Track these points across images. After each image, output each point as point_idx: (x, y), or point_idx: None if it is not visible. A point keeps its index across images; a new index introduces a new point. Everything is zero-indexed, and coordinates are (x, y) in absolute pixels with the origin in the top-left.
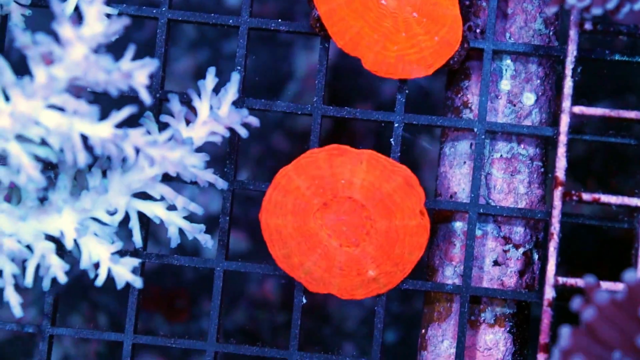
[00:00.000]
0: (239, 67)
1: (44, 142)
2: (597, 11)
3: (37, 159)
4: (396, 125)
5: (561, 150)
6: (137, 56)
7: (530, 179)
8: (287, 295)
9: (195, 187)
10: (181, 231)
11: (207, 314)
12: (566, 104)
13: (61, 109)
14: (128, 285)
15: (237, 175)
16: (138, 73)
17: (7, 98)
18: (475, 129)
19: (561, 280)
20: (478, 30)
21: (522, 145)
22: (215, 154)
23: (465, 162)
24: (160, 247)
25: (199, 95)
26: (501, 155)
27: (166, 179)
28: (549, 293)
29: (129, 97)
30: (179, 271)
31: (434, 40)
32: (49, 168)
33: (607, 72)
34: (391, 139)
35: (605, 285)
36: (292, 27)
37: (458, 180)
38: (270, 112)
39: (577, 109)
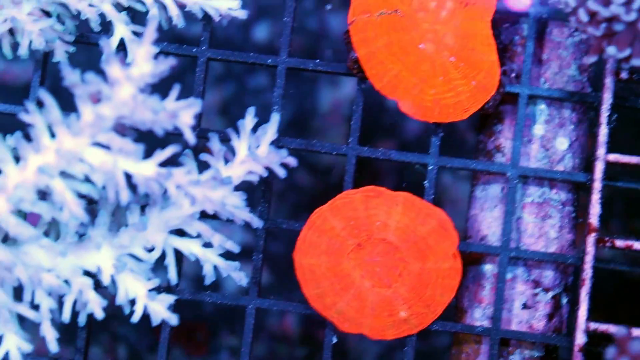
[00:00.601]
0: (276, 107)
1: (87, 179)
2: (637, 62)
3: (79, 195)
4: (430, 167)
5: (595, 197)
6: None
7: (562, 224)
8: (307, 329)
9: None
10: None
11: (226, 347)
12: (601, 151)
13: (106, 147)
14: (146, 317)
15: (270, 206)
16: (183, 113)
17: (52, 135)
18: (508, 174)
19: (593, 326)
20: (513, 75)
21: (553, 190)
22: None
23: (496, 206)
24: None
25: (238, 134)
26: (533, 200)
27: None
28: (581, 338)
29: (169, 135)
30: (199, 304)
31: (471, 85)
32: (90, 204)
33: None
34: (425, 182)
35: (637, 333)
36: (330, 68)
37: (489, 224)
38: (310, 152)
39: (612, 157)
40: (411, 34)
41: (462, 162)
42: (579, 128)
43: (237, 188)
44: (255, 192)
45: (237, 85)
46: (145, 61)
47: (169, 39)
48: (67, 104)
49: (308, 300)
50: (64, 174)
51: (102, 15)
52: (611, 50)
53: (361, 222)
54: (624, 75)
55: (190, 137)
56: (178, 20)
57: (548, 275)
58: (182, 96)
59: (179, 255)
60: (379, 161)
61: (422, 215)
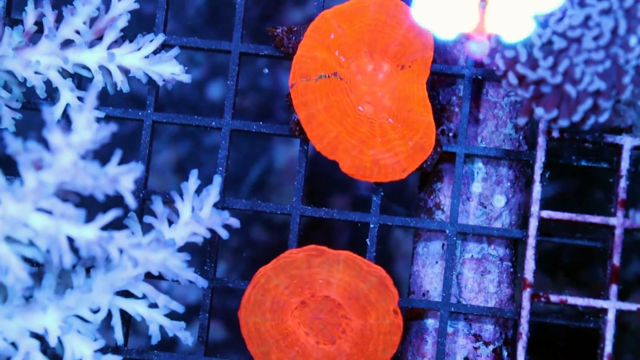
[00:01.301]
0: (220, 169)
1: (31, 243)
2: (564, 123)
3: (24, 259)
4: (372, 226)
5: (530, 253)
6: (121, 149)
7: (500, 279)
8: None
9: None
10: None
11: None
12: (535, 208)
13: (49, 212)
14: None
15: (216, 266)
16: (124, 178)
17: None
18: (447, 231)
19: None
20: (451, 134)
21: (492, 246)
22: (194, 246)
23: (437, 262)
24: (139, 338)
25: (182, 196)
26: (472, 256)
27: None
28: None
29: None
30: None
31: (408, 145)
32: (36, 266)
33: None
34: (367, 239)
35: None
36: (272, 130)
37: (430, 279)
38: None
39: (545, 214)
40: (350, 96)
41: (403, 220)
42: (516, 185)
43: (185, 247)
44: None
45: (192, 144)
46: (85, 128)
47: None
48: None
49: (254, 358)
50: (8, 239)
51: (48, 82)
52: (539, 111)
53: (304, 280)
54: (555, 134)
55: (131, 202)
56: (123, 85)
57: (488, 329)
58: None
59: (127, 315)
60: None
61: (363, 273)
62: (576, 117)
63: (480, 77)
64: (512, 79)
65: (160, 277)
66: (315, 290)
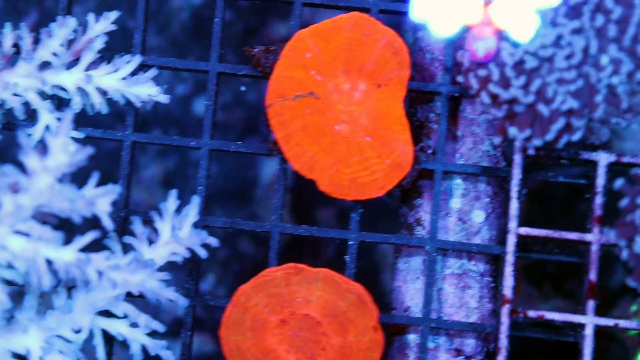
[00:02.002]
0: (200, 187)
1: (10, 265)
2: (537, 142)
3: (4, 281)
4: (351, 242)
5: (508, 270)
6: (107, 165)
7: (481, 294)
8: None
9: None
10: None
11: None
12: (512, 224)
13: (27, 235)
14: None
15: (203, 278)
16: (101, 201)
17: None
18: (427, 247)
19: None
20: (430, 151)
21: (472, 262)
22: (177, 262)
23: (418, 277)
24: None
25: (161, 216)
26: (452, 272)
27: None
28: None
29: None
30: None
31: (386, 163)
32: (16, 286)
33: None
34: (346, 256)
35: None
36: (251, 149)
37: (412, 295)
38: (236, 230)
39: (523, 230)
40: (327, 115)
41: (383, 236)
42: (494, 200)
43: (167, 264)
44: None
45: (179, 158)
46: (61, 152)
47: None
48: None
49: None
50: None
51: (27, 103)
52: (513, 131)
53: (283, 298)
54: (530, 151)
55: (108, 224)
56: (101, 106)
57: (470, 344)
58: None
59: (110, 335)
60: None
61: (342, 291)
62: (549, 137)
63: (457, 94)
64: (485, 98)
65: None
66: (294, 308)
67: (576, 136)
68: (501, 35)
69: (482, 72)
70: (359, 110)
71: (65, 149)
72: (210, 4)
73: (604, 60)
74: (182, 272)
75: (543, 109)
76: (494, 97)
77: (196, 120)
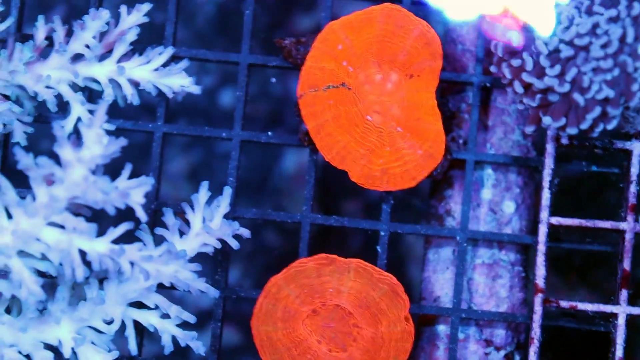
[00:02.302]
0: (231, 179)
1: (44, 257)
2: (572, 131)
3: (38, 272)
4: (382, 234)
5: (540, 259)
6: (134, 157)
7: (512, 284)
8: None
9: None
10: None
11: None
12: (544, 214)
13: (61, 226)
14: None
15: (227, 275)
16: (134, 192)
17: (9, 216)
18: (458, 237)
19: None
20: (461, 141)
21: (503, 252)
22: (206, 254)
23: (448, 268)
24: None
25: (192, 208)
26: (483, 261)
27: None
28: None
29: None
30: None
31: (418, 154)
32: (49, 278)
33: None
34: (377, 247)
35: None
36: (282, 140)
37: (441, 285)
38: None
39: (555, 220)
40: (358, 106)
41: (413, 227)
42: (525, 191)
43: (196, 256)
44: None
45: (205, 151)
46: (95, 143)
47: None
48: None
49: None
50: (21, 253)
51: (59, 96)
52: (547, 120)
53: (315, 289)
54: (564, 140)
55: (142, 215)
56: (133, 98)
57: (500, 334)
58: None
59: (141, 326)
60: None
61: (374, 281)
62: (584, 125)
63: (488, 85)
64: (518, 87)
65: (173, 287)
66: (326, 299)
67: (612, 125)
68: (528, 27)
69: (515, 62)
70: (391, 101)
71: (99, 141)
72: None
73: None
74: (209, 264)
75: (579, 98)
76: (527, 87)
77: (221, 112)
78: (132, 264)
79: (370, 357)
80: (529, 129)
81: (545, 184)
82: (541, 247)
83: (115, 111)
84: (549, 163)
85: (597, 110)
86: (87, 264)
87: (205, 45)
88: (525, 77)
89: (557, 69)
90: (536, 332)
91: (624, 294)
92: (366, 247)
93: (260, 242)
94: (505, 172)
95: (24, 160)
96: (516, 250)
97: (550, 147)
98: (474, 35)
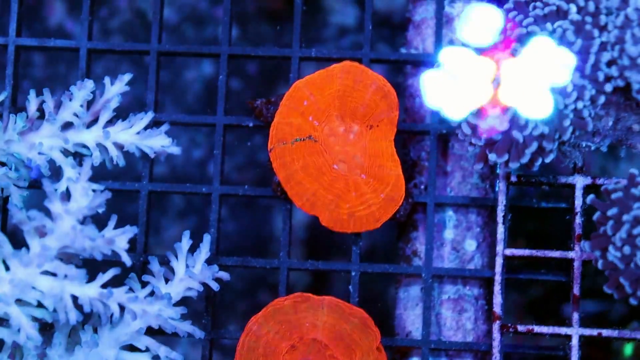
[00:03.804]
0: (212, 230)
1: (40, 305)
2: (514, 165)
3: (35, 319)
4: (353, 274)
5: (497, 289)
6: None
7: (476, 316)
8: None
9: (185, 342)
10: None
11: None
12: (499, 247)
13: (54, 274)
14: None
15: (213, 319)
16: (119, 239)
17: (7, 268)
18: (423, 274)
19: None
20: (422, 187)
21: (467, 287)
22: (197, 306)
23: (417, 304)
24: None
25: (176, 256)
26: (449, 297)
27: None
28: None
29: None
30: None
31: (380, 198)
32: (47, 328)
33: None
34: (350, 286)
35: None
36: (257, 192)
37: (412, 321)
38: (247, 268)
39: (508, 252)
40: (325, 156)
41: (382, 267)
42: (485, 230)
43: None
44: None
45: (198, 217)
46: (81, 196)
47: None
48: None
49: None
50: (19, 301)
51: (52, 161)
52: (492, 157)
53: (292, 324)
54: (513, 179)
55: (126, 260)
56: (119, 159)
57: None
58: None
59: None
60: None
61: (346, 315)
62: (524, 160)
63: (445, 132)
64: (466, 129)
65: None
66: (303, 334)
67: (549, 158)
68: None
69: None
70: (354, 150)
71: (85, 194)
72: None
73: (570, 87)
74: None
75: (517, 135)
76: (474, 128)
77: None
78: (120, 305)
79: None
80: (478, 167)
81: (500, 219)
82: (497, 278)
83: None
84: (501, 200)
85: (535, 145)
86: (80, 308)
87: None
88: (471, 119)
89: (497, 109)
90: (496, 357)
91: (575, 316)
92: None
93: (255, 301)
94: (465, 213)
95: (17, 215)
96: (479, 285)
97: (502, 185)
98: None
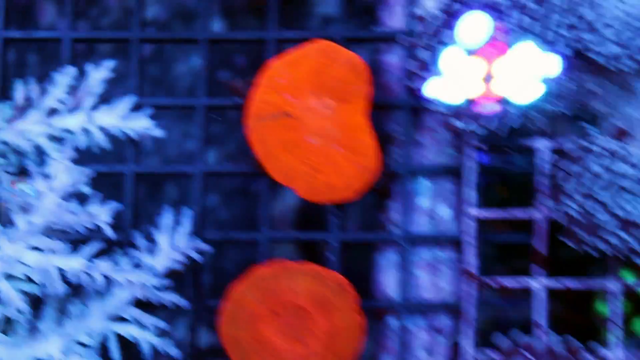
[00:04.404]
0: (196, 207)
1: (29, 280)
2: (481, 131)
3: (25, 294)
4: (332, 243)
5: (467, 249)
6: None
7: (451, 277)
8: None
9: None
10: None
11: None
12: (467, 209)
13: (40, 249)
14: None
15: (198, 288)
16: (101, 213)
17: None
18: (400, 241)
19: (479, 355)
20: (397, 158)
21: (443, 251)
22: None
23: (395, 269)
24: None
25: (159, 229)
26: (425, 261)
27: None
28: None
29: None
30: None
31: (355, 168)
32: (37, 304)
33: None
34: (329, 254)
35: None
36: (238, 169)
37: (390, 285)
38: (229, 242)
39: (476, 211)
40: (301, 131)
41: (361, 235)
42: (459, 196)
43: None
44: None
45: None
46: (63, 174)
47: None
48: None
49: None
50: (8, 276)
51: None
52: (459, 124)
53: (273, 292)
54: (480, 145)
55: (110, 233)
56: (104, 143)
57: (445, 322)
58: None
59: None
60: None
61: (323, 280)
62: (491, 125)
63: (417, 106)
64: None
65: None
66: (284, 300)
67: (514, 122)
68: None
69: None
70: (329, 124)
71: (67, 171)
72: (208, 66)
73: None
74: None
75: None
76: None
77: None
78: (105, 277)
79: (328, 348)
80: (446, 135)
81: (466, 182)
82: (467, 238)
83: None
84: (468, 164)
85: (499, 111)
86: (67, 281)
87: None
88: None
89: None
90: (468, 310)
91: (539, 270)
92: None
93: None
94: (440, 181)
95: (3, 193)
96: (453, 248)
97: (469, 151)
98: (401, 63)
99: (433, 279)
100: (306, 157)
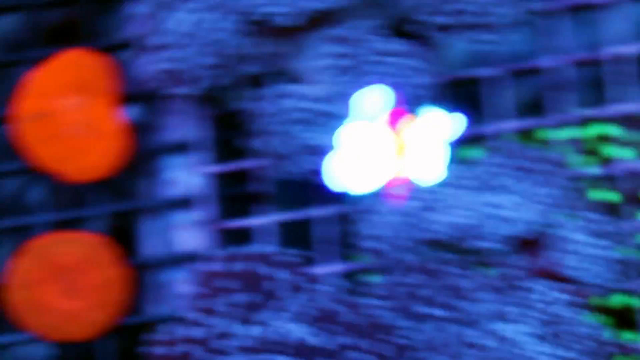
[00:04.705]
0: None
1: None
2: (192, 91)
3: None
4: (97, 214)
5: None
6: None
7: (202, 234)
8: None
9: None
10: None
11: None
12: (204, 168)
13: None
14: None
15: None
16: None
17: None
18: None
19: None
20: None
21: (193, 211)
22: None
23: (159, 233)
24: None
25: None
26: (185, 221)
27: None
28: None
29: None
30: None
31: (106, 150)
32: None
33: None
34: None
35: None
36: (12, 168)
37: (158, 245)
38: None
39: (212, 169)
40: (57, 126)
41: (121, 205)
42: (198, 163)
43: None
44: None
45: None
46: None
47: None
48: None
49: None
50: None
51: None
52: (177, 90)
53: (45, 258)
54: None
55: None
56: None
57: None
58: None
59: None
60: None
61: (85, 243)
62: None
63: (160, 95)
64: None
65: None
66: (59, 264)
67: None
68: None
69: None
70: (82, 117)
71: None
72: None
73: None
74: None
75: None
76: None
77: None
78: None
79: (100, 300)
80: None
81: (201, 148)
82: (205, 194)
83: None
84: (201, 134)
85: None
86: None
87: None
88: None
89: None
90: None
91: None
92: None
93: None
94: (185, 154)
95: None
96: (200, 207)
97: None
98: (143, 61)
99: (188, 236)
100: (63, 146)
